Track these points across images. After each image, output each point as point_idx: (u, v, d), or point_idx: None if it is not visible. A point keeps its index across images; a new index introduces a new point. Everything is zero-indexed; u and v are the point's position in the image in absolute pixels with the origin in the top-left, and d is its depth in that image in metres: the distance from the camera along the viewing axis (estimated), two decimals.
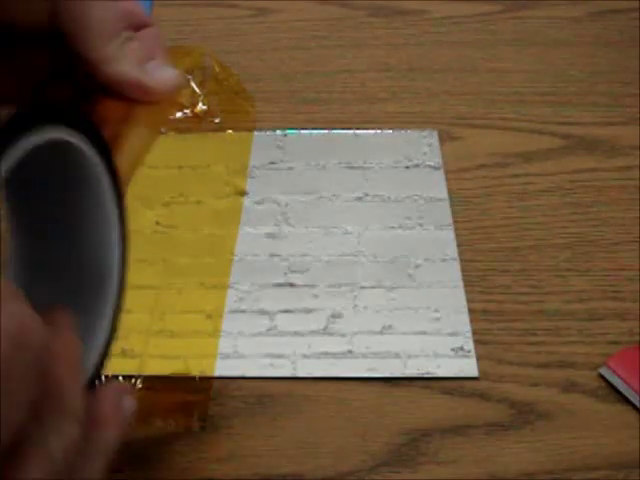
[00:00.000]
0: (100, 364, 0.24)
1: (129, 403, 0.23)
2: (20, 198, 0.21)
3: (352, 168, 0.48)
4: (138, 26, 0.28)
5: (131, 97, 0.27)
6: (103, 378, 0.23)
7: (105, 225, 0.23)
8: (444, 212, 0.46)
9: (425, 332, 0.40)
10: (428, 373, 0.38)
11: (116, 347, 0.26)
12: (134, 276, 0.28)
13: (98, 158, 0.22)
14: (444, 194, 0.47)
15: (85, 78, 0.27)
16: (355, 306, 0.41)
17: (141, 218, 0.46)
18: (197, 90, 0.37)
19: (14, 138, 0.18)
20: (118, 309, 0.25)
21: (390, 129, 0.51)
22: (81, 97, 0.28)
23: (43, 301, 0.18)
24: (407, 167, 0.49)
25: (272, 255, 0.43)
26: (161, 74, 0.28)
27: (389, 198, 0.47)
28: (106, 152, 0.23)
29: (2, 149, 0.17)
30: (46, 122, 0.19)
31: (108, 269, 0.24)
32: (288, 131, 0.50)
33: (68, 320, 0.21)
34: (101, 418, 0.22)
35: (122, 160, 0.25)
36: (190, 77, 0.37)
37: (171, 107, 0.30)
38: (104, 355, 0.24)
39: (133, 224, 0.46)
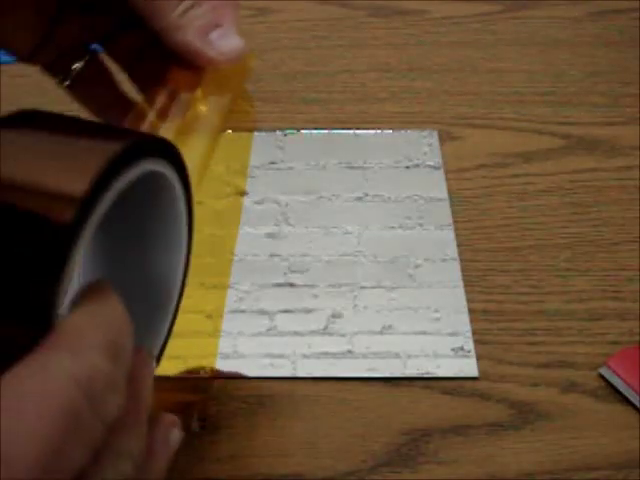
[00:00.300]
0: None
1: (176, 436, 0.23)
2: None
3: (352, 168, 0.48)
4: None
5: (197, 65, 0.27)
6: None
7: (176, 240, 0.24)
8: (444, 212, 0.46)
9: (425, 332, 0.40)
10: (428, 373, 0.38)
11: None
12: None
13: (177, 182, 0.23)
14: (444, 194, 0.47)
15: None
16: (355, 306, 0.41)
17: None
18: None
19: (123, 169, 0.18)
20: (174, 317, 0.25)
21: (390, 129, 0.51)
22: (153, 60, 0.28)
23: None
24: (407, 167, 0.49)
25: (272, 255, 0.43)
26: (224, 44, 0.27)
27: (389, 198, 0.47)
28: (185, 176, 0.23)
29: (112, 179, 0.18)
30: (147, 155, 0.20)
31: (172, 282, 0.25)
32: (288, 131, 0.50)
33: (144, 360, 0.21)
34: (152, 452, 0.22)
35: (195, 136, 0.26)
36: None
37: (241, 74, 0.30)
38: (159, 358, 0.25)
39: None
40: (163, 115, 0.26)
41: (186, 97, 0.27)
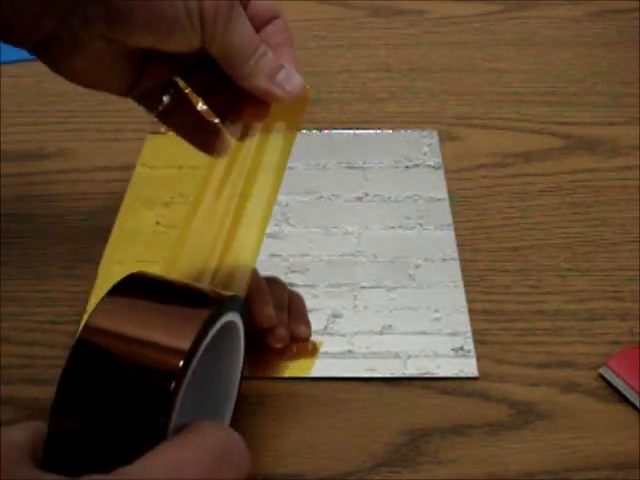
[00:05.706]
0: None
1: None
2: None
3: (352, 168, 0.48)
4: (269, 19, 0.34)
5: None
6: None
7: (237, 352, 0.31)
8: (444, 212, 0.46)
9: (425, 332, 0.40)
10: (428, 373, 0.38)
11: None
12: None
13: (240, 320, 0.29)
14: (444, 194, 0.47)
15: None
16: (355, 306, 0.41)
17: (141, 218, 0.46)
18: None
19: (212, 326, 0.26)
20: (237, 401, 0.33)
21: (390, 129, 0.51)
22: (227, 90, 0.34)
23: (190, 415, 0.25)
24: (407, 167, 0.49)
25: (272, 255, 0.43)
26: (289, 84, 0.33)
27: (389, 198, 0.47)
28: (244, 312, 0.30)
29: (205, 335, 0.25)
30: (226, 311, 0.27)
31: (234, 379, 0.32)
32: None
33: None
34: None
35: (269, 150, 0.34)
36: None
37: (302, 104, 0.35)
38: None
39: (133, 224, 0.46)
40: (242, 138, 0.34)
41: (258, 126, 0.34)
